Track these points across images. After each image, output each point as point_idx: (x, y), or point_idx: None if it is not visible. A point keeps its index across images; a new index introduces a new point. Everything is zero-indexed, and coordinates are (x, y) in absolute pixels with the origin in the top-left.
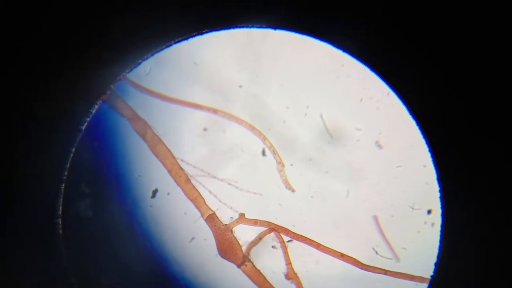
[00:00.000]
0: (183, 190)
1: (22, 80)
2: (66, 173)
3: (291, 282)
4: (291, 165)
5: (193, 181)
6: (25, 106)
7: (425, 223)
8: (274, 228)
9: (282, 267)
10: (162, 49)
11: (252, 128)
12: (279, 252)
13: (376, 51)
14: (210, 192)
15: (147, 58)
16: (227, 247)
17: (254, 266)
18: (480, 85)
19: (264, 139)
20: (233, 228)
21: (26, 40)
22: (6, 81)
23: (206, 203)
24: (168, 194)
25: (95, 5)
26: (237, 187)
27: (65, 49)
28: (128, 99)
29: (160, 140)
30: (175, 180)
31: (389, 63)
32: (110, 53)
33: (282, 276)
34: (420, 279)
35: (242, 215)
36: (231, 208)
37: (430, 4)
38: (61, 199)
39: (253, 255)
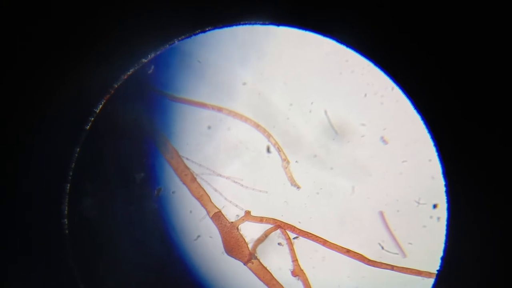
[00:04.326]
0: (188, 188)
1: (23, 80)
2: (71, 173)
3: (298, 279)
4: (296, 162)
5: (198, 179)
6: (26, 106)
7: (431, 217)
8: (280, 225)
9: (288, 264)
10: (165, 48)
11: (256, 126)
12: (285, 249)
13: (380, 45)
14: (216, 190)
15: (150, 57)
16: (233, 245)
17: (260, 263)
18: (486, 80)
19: (268, 136)
20: (239, 226)
21: (26, 40)
22: (6, 81)
23: (212, 201)
24: (173, 192)
25: (95, 5)
26: (242, 185)
27: (65, 49)
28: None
29: (167, 139)
30: (180, 179)
31: (393, 58)
32: (112, 53)
33: (289, 273)
34: (426, 274)
35: (247, 213)
36: (236, 205)
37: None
38: (67, 199)
39: (259, 252)
